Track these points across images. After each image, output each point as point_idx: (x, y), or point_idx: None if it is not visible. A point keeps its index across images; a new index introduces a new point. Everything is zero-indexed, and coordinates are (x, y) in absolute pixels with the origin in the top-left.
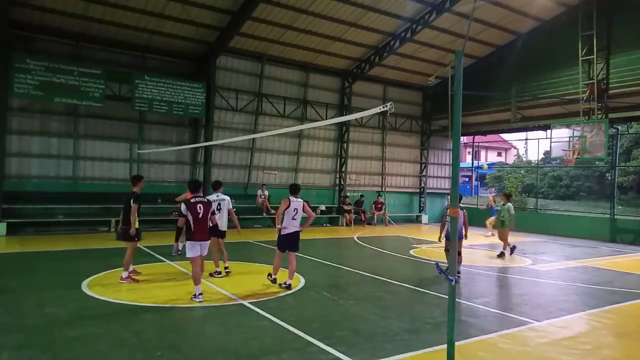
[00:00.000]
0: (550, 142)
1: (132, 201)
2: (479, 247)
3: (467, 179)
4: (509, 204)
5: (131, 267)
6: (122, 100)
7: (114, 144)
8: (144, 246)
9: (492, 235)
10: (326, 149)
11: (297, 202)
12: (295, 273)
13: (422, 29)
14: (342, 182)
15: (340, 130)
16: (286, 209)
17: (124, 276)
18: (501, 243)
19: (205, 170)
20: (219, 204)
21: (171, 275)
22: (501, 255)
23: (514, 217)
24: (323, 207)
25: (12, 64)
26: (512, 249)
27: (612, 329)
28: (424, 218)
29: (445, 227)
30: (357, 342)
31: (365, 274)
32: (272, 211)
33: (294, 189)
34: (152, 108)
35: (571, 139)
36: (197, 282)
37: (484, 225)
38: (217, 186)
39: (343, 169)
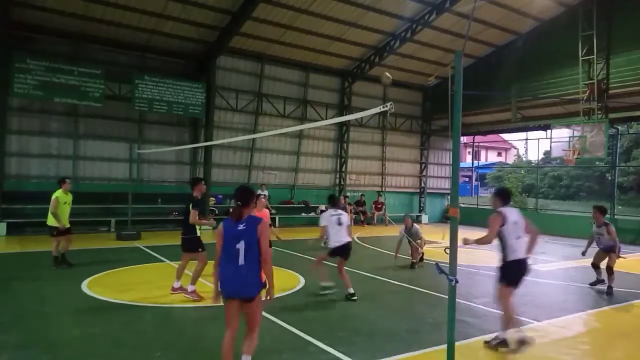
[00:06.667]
0: (550, 142)
1: (191, 206)
2: (479, 246)
3: (467, 179)
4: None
5: (192, 287)
6: (122, 100)
7: (114, 144)
8: (144, 246)
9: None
10: (326, 149)
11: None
12: (295, 273)
13: (422, 29)
14: (342, 182)
15: (340, 130)
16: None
17: (189, 289)
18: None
19: (205, 170)
20: None
21: (171, 276)
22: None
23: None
24: (323, 207)
25: (12, 63)
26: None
27: (612, 329)
28: (424, 218)
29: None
30: (357, 342)
31: (365, 274)
32: (273, 211)
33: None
34: (152, 108)
35: (571, 139)
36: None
37: (486, 226)
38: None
39: (343, 169)
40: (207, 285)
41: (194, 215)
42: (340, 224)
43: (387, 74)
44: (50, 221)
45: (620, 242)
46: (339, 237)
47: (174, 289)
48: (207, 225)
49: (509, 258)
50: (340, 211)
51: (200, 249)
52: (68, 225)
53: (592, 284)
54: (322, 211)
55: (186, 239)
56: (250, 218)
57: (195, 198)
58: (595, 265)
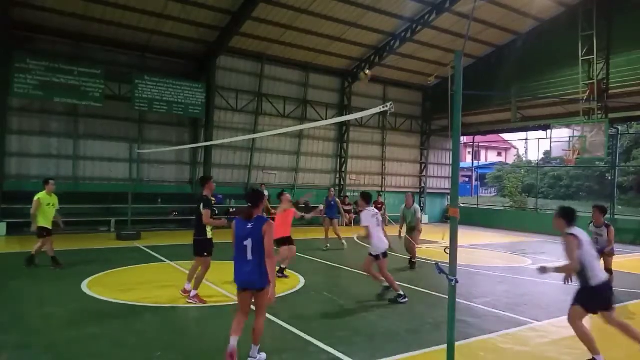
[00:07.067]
0: (550, 142)
1: (202, 207)
2: (479, 247)
3: (467, 179)
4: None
5: (194, 292)
6: (122, 100)
7: (114, 144)
8: (144, 246)
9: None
10: (326, 149)
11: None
12: (295, 273)
13: (422, 29)
14: (342, 182)
15: (340, 130)
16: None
17: (192, 294)
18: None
19: (205, 170)
20: None
21: (171, 276)
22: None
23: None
24: (321, 207)
25: (12, 63)
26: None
27: (612, 329)
28: (424, 218)
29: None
30: (357, 342)
31: (365, 274)
32: (273, 211)
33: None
34: (152, 108)
35: (571, 139)
36: None
37: (486, 226)
38: None
39: (343, 169)
40: (213, 288)
41: (206, 216)
42: (379, 224)
43: (367, 72)
44: (40, 222)
45: (620, 242)
46: (381, 236)
47: (185, 291)
48: (219, 225)
49: (593, 283)
50: (375, 210)
51: (206, 254)
52: (50, 227)
53: None
54: (321, 210)
55: (197, 241)
56: (258, 218)
57: (206, 197)
58: (608, 271)
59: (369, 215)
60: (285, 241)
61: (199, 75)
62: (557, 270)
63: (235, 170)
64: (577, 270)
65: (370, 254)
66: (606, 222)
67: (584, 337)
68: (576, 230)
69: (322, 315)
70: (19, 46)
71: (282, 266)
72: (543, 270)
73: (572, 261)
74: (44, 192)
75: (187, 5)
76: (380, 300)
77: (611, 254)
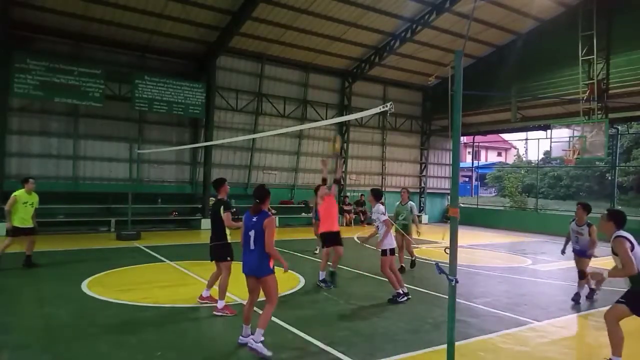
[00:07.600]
0: (550, 142)
1: (222, 210)
2: (479, 247)
3: (467, 179)
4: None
5: (222, 302)
6: (122, 100)
7: (114, 144)
8: (144, 246)
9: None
10: (326, 149)
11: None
12: (295, 273)
13: (422, 29)
14: (342, 182)
15: (340, 130)
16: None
17: (220, 306)
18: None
19: (205, 170)
20: None
21: (171, 276)
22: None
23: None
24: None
25: (12, 64)
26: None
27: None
28: (424, 218)
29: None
30: (357, 342)
31: (365, 274)
32: (273, 211)
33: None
34: (152, 108)
35: (571, 139)
36: None
37: (486, 226)
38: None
39: (343, 169)
40: (214, 288)
41: (227, 219)
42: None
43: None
44: (13, 221)
45: None
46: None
47: (202, 298)
48: (238, 227)
49: None
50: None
51: (228, 257)
52: (31, 226)
53: (588, 297)
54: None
55: (217, 246)
56: (262, 213)
57: (225, 200)
58: (582, 273)
59: (383, 209)
60: (333, 238)
61: (199, 75)
62: (610, 273)
63: (235, 170)
64: (633, 273)
65: (384, 253)
66: (588, 221)
67: (616, 335)
68: (626, 233)
69: (322, 315)
70: (19, 46)
71: (331, 269)
72: (598, 275)
73: (627, 264)
74: (22, 190)
75: (187, 5)
76: (380, 300)
77: (590, 256)
